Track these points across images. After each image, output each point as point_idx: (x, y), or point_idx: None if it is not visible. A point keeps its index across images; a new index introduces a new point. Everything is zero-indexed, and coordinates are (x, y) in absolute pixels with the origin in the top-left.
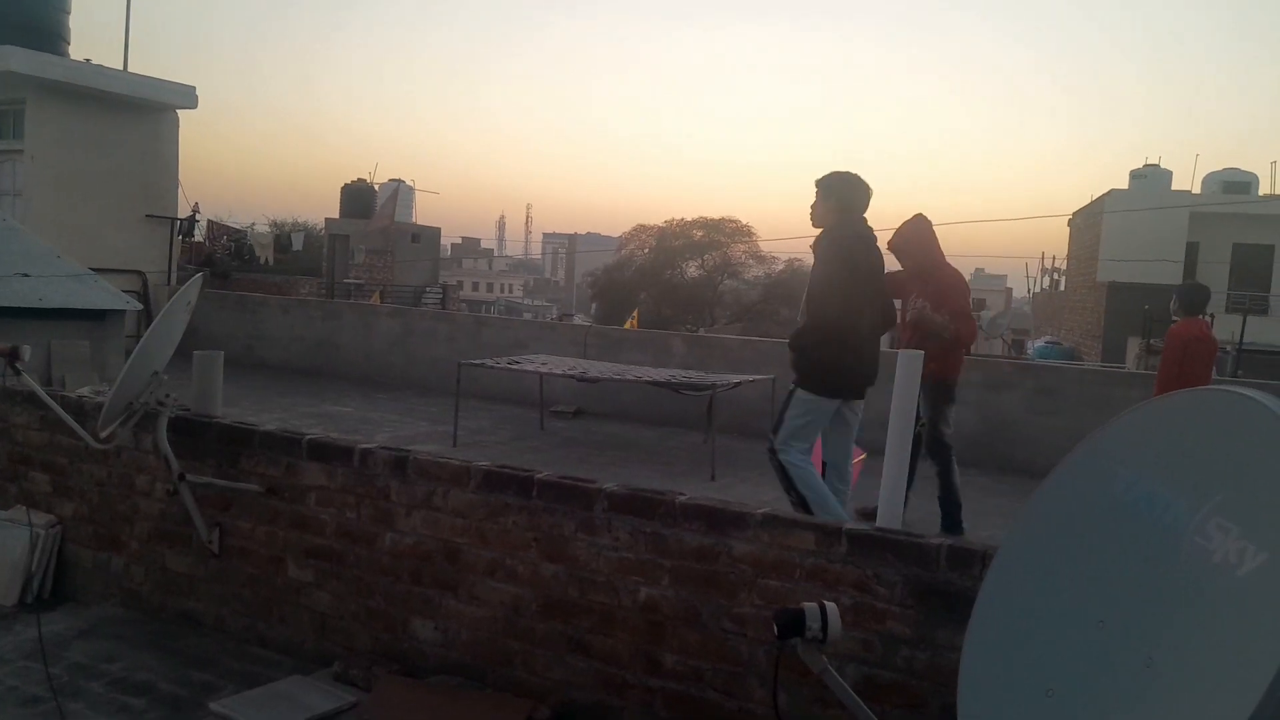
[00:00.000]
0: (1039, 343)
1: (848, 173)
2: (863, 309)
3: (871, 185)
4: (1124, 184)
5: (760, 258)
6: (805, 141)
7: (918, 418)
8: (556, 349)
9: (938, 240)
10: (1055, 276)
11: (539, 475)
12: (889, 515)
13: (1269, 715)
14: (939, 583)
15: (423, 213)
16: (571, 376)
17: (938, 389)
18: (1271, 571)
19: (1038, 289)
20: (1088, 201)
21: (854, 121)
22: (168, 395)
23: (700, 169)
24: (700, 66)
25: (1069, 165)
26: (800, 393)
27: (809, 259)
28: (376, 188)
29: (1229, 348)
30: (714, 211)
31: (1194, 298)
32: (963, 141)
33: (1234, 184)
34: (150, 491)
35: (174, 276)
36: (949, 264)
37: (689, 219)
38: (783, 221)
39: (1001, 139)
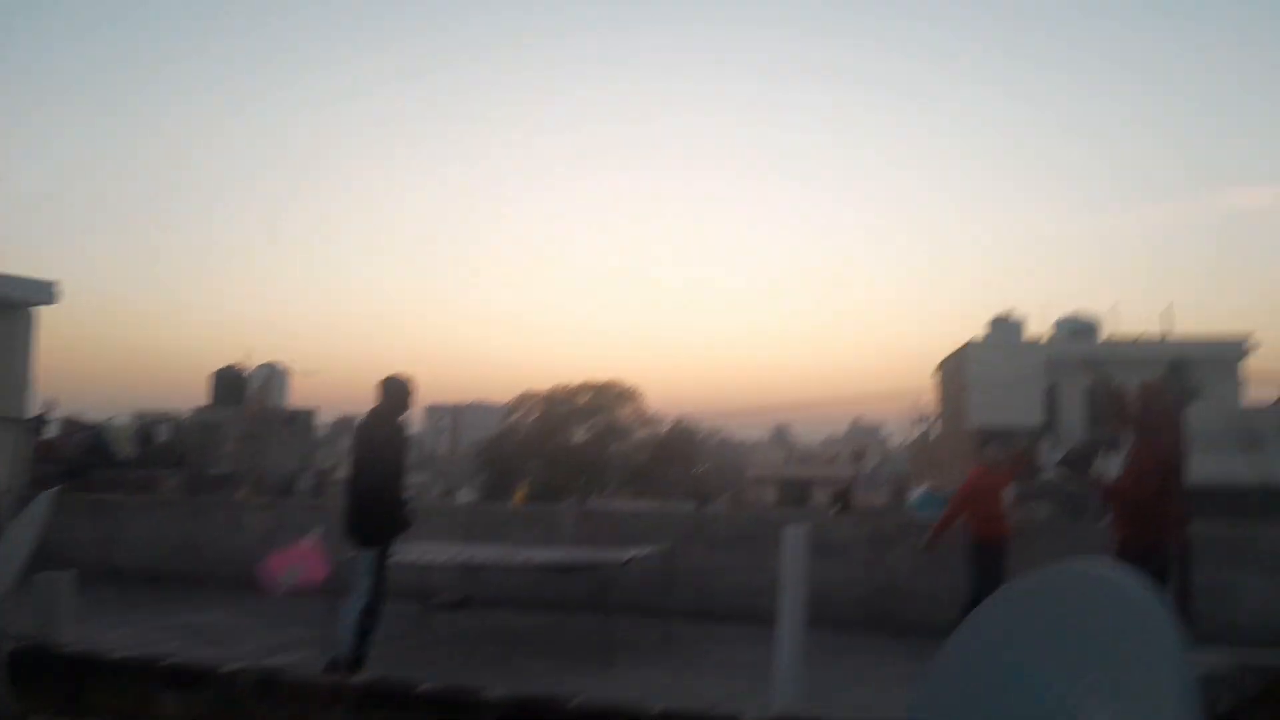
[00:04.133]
0: (918, 491)
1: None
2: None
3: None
4: (983, 330)
5: (646, 420)
6: (690, 300)
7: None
8: (440, 533)
9: (1159, 416)
10: (926, 425)
11: (420, 688)
12: (791, 696)
13: None
14: None
15: (300, 392)
16: (454, 567)
17: (1126, 549)
18: None
19: (911, 437)
20: (955, 348)
21: (728, 279)
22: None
23: (586, 330)
24: (576, 225)
25: (937, 311)
26: None
27: (697, 418)
28: (249, 373)
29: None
30: (602, 373)
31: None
32: (845, 293)
33: (1080, 329)
34: None
35: (20, 481)
36: (1157, 437)
37: (575, 384)
38: (670, 380)
39: (878, 290)
